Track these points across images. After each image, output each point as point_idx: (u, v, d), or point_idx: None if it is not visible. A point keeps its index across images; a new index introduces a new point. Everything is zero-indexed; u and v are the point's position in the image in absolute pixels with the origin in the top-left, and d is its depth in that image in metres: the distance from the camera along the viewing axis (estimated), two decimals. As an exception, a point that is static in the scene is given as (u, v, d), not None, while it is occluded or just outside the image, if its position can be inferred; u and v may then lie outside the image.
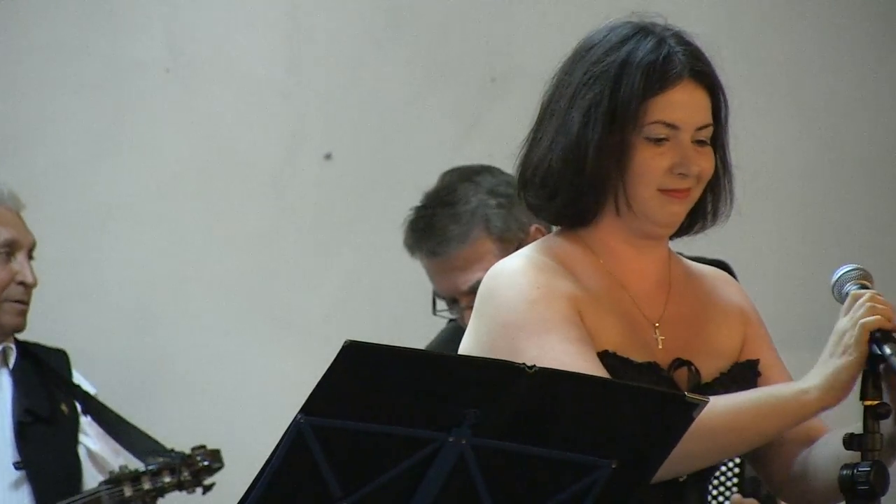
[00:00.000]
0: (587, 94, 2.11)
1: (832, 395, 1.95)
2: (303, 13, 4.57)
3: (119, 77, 4.50)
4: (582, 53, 2.16)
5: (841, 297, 2.07)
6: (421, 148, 4.38)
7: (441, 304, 3.33)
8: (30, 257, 3.24)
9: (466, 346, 2.19)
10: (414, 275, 4.02)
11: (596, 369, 2.05)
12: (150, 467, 3.09)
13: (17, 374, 3.20)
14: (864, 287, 2.05)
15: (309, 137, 4.60)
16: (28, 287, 3.16)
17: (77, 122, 4.58)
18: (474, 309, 2.21)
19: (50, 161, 4.43)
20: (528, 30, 4.42)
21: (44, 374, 3.22)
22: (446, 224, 3.18)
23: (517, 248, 2.82)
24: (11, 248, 3.20)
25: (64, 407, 3.21)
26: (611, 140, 2.08)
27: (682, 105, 2.11)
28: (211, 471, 3.11)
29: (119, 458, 3.20)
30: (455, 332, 2.99)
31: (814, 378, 1.97)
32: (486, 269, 2.76)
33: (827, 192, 5.00)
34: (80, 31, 4.53)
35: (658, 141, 2.09)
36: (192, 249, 4.51)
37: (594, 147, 2.09)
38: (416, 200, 4.10)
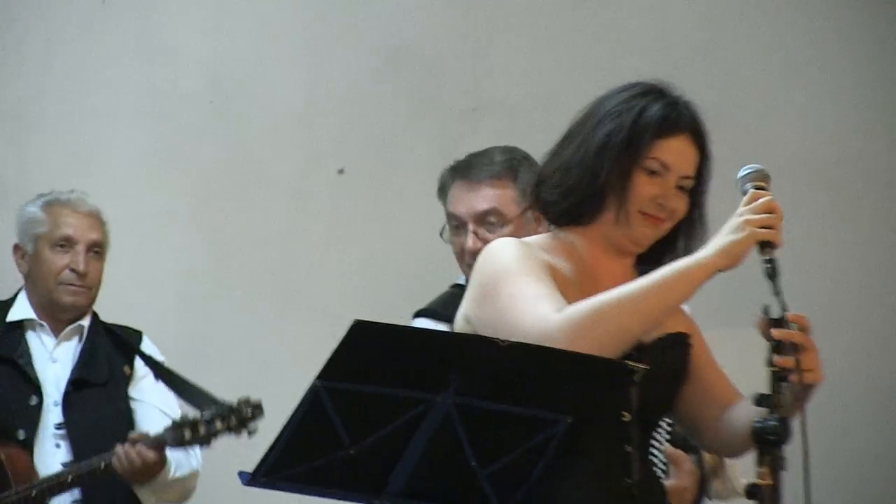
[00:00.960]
0: (611, 123, 2.10)
1: (725, 259, 1.91)
2: (318, 53, 4.44)
3: (171, 108, 4.39)
4: (613, 94, 2.16)
5: (742, 192, 2.01)
6: (415, 162, 4.29)
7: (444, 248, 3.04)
8: (93, 252, 3.08)
9: (463, 307, 2.14)
10: (411, 265, 3.96)
11: (560, 299, 2.01)
12: (206, 416, 2.93)
13: (85, 346, 3.08)
14: (761, 188, 2.00)
15: (324, 155, 4.50)
16: (79, 273, 3.01)
17: (135, 144, 4.50)
18: (471, 280, 2.16)
19: (114, 176, 4.32)
20: (503, 66, 4.30)
21: (114, 345, 3.10)
22: (495, 154, 2.94)
23: (522, 215, 2.74)
24: (69, 243, 3.04)
25: (127, 368, 3.10)
26: (620, 161, 2.06)
27: (677, 153, 2.10)
28: (254, 419, 2.96)
29: (178, 411, 3.05)
30: (453, 295, 2.76)
31: (710, 248, 1.94)
32: (502, 207, 2.81)
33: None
34: (140, 68, 4.40)
35: (652, 173, 2.07)
36: (227, 247, 4.39)
37: (608, 162, 2.07)
38: (415, 204, 4.00)
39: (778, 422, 1.87)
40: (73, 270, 3.02)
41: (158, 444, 2.86)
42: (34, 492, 2.84)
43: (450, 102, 4.22)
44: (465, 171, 2.82)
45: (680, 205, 2.08)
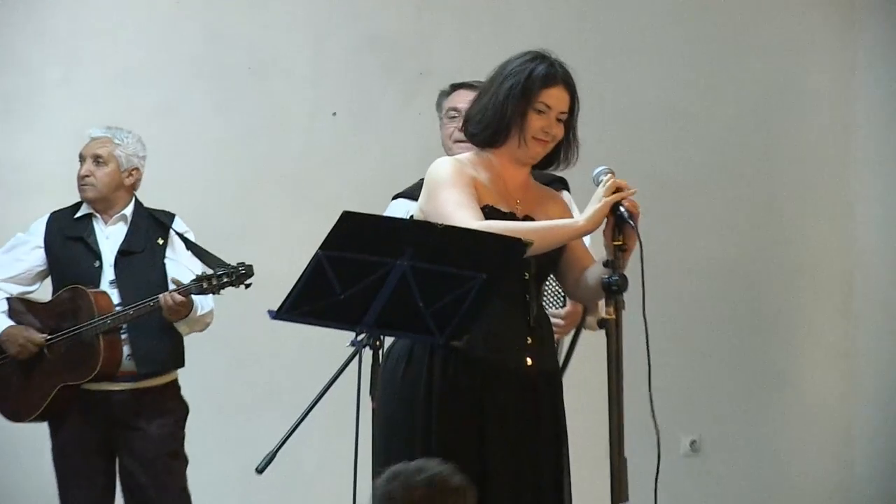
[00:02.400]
0: (512, 79, 2.84)
1: (591, 224, 2.73)
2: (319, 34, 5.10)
3: (219, 73, 4.97)
4: (510, 60, 2.89)
5: (597, 183, 2.78)
6: (383, 110, 5.08)
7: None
8: (95, 162, 3.83)
9: (419, 201, 2.90)
10: (381, 175, 4.67)
11: (477, 210, 2.76)
12: (217, 273, 3.70)
13: (129, 227, 3.88)
14: (611, 174, 2.79)
15: (323, 103, 5.04)
16: (80, 177, 3.83)
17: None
18: (424, 184, 2.87)
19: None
20: (447, 41, 5.15)
21: (152, 223, 3.90)
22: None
23: None
24: (81, 158, 3.88)
25: (160, 240, 3.89)
26: (519, 106, 2.82)
27: (556, 97, 2.84)
28: (248, 276, 3.71)
29: (199, 269, 3.83)
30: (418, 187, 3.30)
31: (583, 215, 2.75)
32: None
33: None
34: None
35: (539, 112, 2.82)
36: (256, 162, 4.89)
37: (511, 107, 2.83)
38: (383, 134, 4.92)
39: (619, 277, 2.68)
40: (81, 176, 3.89)
41: (187, 291, 3.69)
42: (109, 320, 3.71)
43: (406, 69, 5.06)
44: (467, 85, 3.52)
45: (559, 131, 2.87)
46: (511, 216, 2.90)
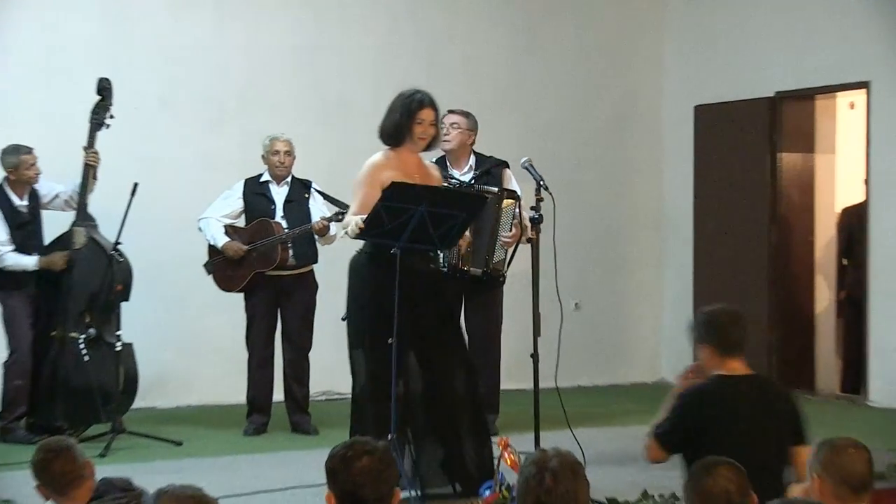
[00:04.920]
0: (402, 105, 4.56)
1: None
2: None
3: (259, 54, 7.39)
4: (402, 93, 4.59)
5: (524, 167, 4.78)
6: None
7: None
8: (285, 154, 6.14)
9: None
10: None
11: (363, 207, 4.42)
12: (340, 208, 5.82)
13: (290, 187, 6.18)
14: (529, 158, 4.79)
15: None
16: (279, 163, 6.14)
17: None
18: None
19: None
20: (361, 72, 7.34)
21: (301, 186, 6.15)
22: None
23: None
24: (276, 153, 6.20)
25: (306, 195, 6.16)
26: (408, 121, 4.49)
27: (427, 114, 4.58)
28: (346, 209, 5.37)
29: (329, 210, 6.04)
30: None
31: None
32: (459, 122, 5.77)
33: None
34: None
35: (419, 123, 4.55)
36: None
37: (403, 121, 4.51)
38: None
39: (538, 216, 4.69)
40: (279, 163, 6.11)
41: (328, 220, 5.95)
42: (284, 236, 5.96)
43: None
44: (453, 111, 5.72)
45: (431, 132, 4.58)
46: (426, 188, 4.42)
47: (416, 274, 4.53)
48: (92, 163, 5.85)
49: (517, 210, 5.56)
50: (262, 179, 6.24)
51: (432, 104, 4.62)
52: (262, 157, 6.22)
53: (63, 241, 5.92)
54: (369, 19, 7.46)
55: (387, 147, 4.66)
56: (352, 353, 4.70)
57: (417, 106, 4.57)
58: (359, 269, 4.66)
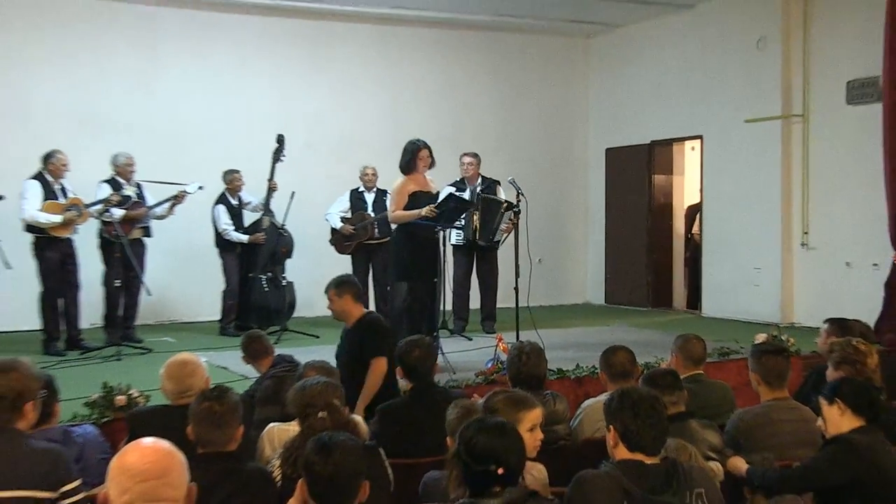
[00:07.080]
0: (409, 150, 7.40)
1: (428, 212, 7.38)
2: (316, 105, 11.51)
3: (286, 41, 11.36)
4: (411, 142, 7.44)
5: (510, 183, 8.12)
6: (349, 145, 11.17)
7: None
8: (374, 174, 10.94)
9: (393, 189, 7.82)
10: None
11: (400, 206, 7.49)
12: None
13: (375, 196, 10.37)
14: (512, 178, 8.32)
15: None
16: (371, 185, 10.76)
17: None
18: None
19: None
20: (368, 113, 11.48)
21: (381, 193, 10.00)
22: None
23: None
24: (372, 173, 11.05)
25: (384, 197, 9.90)
26: (415, 158, 7.28)
27: (424, 153, 7.38)
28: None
29: None
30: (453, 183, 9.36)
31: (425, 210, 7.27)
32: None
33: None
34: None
35: (421, 158, 7.36)
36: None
37: (411, 159, 7.31)
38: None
39: (518, 208, 8.51)
40: (368, 180, 9.85)
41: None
42: (372, 220, 9.76)
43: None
44: (467, 153, 9.77)
45: (427, 162, 7.39)
46: (428, 193, 6.91)
47: (434, 242, 7.13)
48: (273, 188, 9.43)
49: (511, 213, 8.47)
50: (360, 189, 10.03)
51: (426, 146, 7.14)
52: (360, 177, 10.15)
53: (256, 225, 9.77)
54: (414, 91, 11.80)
55: (405, 175, 7.27)
56: (395, 285, 7.34)
57: (417, 149, 7.16)
58: (401, 238, 7.34)
